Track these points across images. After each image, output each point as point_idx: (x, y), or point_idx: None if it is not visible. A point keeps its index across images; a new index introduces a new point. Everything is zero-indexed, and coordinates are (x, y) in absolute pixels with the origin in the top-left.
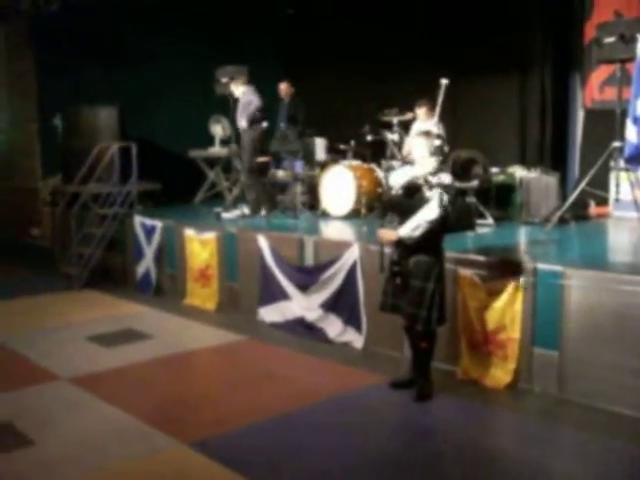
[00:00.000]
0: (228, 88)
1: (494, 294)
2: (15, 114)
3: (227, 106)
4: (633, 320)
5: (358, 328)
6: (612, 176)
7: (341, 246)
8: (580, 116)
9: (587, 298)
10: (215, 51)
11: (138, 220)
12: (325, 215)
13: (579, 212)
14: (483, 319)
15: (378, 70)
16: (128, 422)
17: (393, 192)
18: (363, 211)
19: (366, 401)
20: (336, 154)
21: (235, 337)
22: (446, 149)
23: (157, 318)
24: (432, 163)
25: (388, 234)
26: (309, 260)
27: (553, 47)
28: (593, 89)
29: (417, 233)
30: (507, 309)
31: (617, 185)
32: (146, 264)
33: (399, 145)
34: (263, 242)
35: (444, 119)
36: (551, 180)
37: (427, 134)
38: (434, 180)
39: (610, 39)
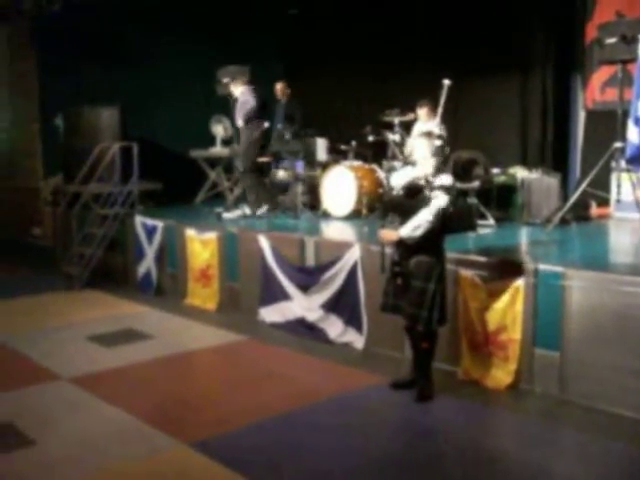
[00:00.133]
0: (228, 88)
1: (495, 295)
2: (17, 114)
3: (228, 106)
4: (634, 321)
5: (359, 328)
6: (613, 177)
7: (342, 246)
8: (581, 117)
9: (588, 299)
10: (216, 51)
11: (139, 220)
12: (326, 215)
13: (580, 213)
14: (484, 320)
15: (379, 70)
16: (129, 422)
17: (394, 193)
18: (364, 212)
19: (367, 401)
20: (337, 154)
21: (236, 337)
22: (447, 150)
23: (158, 318)
24: (433, 164)
25: (389, 234)
26: (310, 260)
27: (554, 48)
28: (594, 90)
29: (418, 233)
30: (508, 310)
31: (618, 186)
32: (147, 264)
33: (400, 146)
34: (264, 242)
35: (445, 120)
36: (552, 181)
37: (429, 135)
38: (435, 181)
39: (611, 40)
